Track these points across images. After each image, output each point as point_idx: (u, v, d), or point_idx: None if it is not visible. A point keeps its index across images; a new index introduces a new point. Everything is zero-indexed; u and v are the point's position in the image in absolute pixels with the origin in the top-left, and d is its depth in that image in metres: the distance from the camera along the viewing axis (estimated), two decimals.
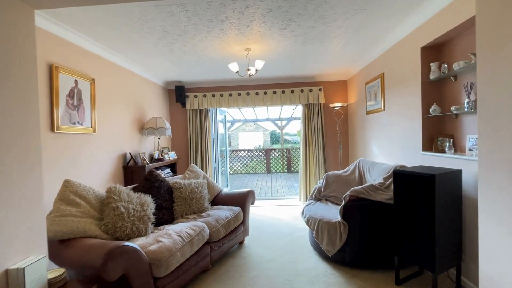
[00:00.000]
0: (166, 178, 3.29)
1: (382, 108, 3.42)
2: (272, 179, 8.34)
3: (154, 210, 2.53)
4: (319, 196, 3.15)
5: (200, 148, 4.99)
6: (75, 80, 2.65)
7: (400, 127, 2.99)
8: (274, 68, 4.20)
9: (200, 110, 5.00)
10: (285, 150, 9.64)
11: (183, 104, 4.98)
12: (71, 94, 2.59)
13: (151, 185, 2.75)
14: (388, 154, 3.30)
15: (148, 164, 3.65)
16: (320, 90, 4.79)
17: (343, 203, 2.38)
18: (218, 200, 3.28)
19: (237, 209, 2.99)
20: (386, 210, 2.31)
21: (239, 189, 3.37)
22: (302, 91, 4.82)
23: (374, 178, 2.77)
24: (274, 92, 4.86)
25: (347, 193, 2.40)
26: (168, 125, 4.07)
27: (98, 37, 2.75)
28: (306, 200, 4.80)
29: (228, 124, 10.54)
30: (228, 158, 6.32)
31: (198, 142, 4.98)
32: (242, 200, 3.16)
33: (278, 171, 9.73)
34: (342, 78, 4.89)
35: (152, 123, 3.92)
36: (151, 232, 2.35)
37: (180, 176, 3.39)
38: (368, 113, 3.91)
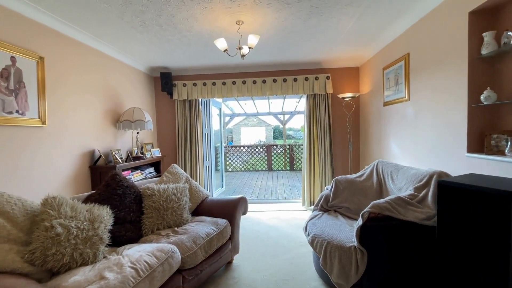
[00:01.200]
0: (140, 181, 2.70)
1: (406, 98, 2.76)
2: (273, 178, 7.73)
3: (111, 226, 1.94)
4: (327, 206, 2.53)
5: (190, 145, 4.39)
6: (12, 57, 2.05)
7: (432, 121, 2.34)
8: (272, 51, 3.55)
9: (190, 101, 4.38)
10: (288, 147, 9.01)
11: (170, 94, 4.37)
12: (4, 75, 1.99)
13: (111, 193, 2.15)
14: (413, 155, 2.65)
15: (121, 163, 3.05)
16: (327, 78, 4.13)
17: (359, 222, 1.76)
18: (202, 208, 2.68)
19: (223, 222, 2.39)
20: (421, 234, 1.69)
21: (229, 196, 2.77)
22: (306, 79, 4.16)
23: (400, 186, 2.14)
24: (274, 81, 4.21)
25: (366, 209, 1.78)
26: (148, 117, 3.46)
27: (48, 3, 2.13)
28: (310, 206, 4.18)
29: (227, 118, 9.95)
30: (223, 156, 5.71)
31: (187, 137, 4.38)
32: (231, 210, 2.56)
33: (280, 168, 9.12)
34: (353, 64, 4.22)
35: (128, 115, 3.31)
36: (103, 257, 1.76)
37: (157, 179, 2.79)
38: (386, 104, 3.26)
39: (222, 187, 5.66)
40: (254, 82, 4.24)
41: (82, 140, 2.83)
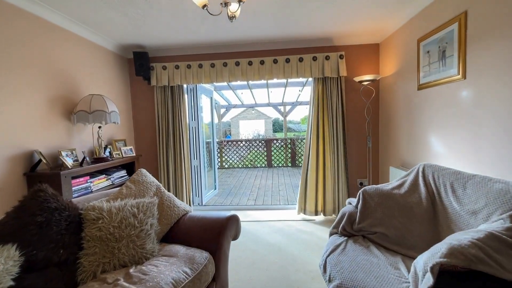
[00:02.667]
0: (101, 191, 1.96)
1: (459, 76, 1.98)
2: (274, 176, 6.99)
3: (21, 275, 1.21)
4: (352, 230, 1.78)
5: (173, 141, 3.62)
6: None
7: (505, 109, 1.58)
8: (272, 22, 2.74)
9: (172, 87, 3.59)
10: (289, 141, 8.24)
11: (148, 80, 3.57)
12: None
13: (26, 222, 1.39)
14: (474, 157, 1.89)
15: (70, 168, 2.28)
16: (340, 57, 3.33)
17: (429, 281, 1.00)
18: (178, 231, 1.93)
19: (202, 258, 1.64)
20: None
21: (216, 213, 2.01)
22: (314, 59, 3.36)
23: (473, 208, 1.38)
24: (275, 61, 3.41)
25: (437, 259, 1.02)
26: (112, 107, 2.68)
27: None
28: (313, 215, 3.44)
29: (222, 110, 9.14)
30: (215, 153, 4.94)
31: (169, 132, 3.60)
32: (215, 235, 1.81)
33: (280, 165, 8.37)
34: (373, 40, 3.41)
35: (84, 105, 2.53)
36: None
37: (115, 190, 2.03)
38: (422, 87, 2.48)
39: (215, 189, 4.92)
40: (250, 63, 3.43)
41: (13, 138, 2.05)
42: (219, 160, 8.34)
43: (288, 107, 8.65)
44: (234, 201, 4.67)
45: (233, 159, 8.44)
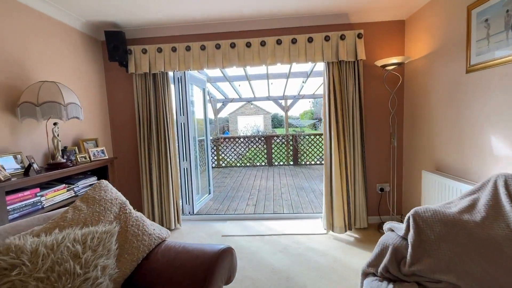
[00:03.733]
0: (18, 223, 1.38)
1: None
2: (275, 175, 6.42)
3: None
4: (400, 274, 1.21)
5: (157, 140, 3.02)
6: None
7: None
8: None
9: (154, 75, 2.98)
10: (291, 137, 7.65)
11: (125, 66, 2.96)
12: None
13: None
14: None
15: (10, 178, 1.69)
16: (358, 36, 2.72)
17: None
18: (147, 271, 1.35)
19: None
20: None
21: (203, 245, 1.44)
22: (327, 38, 2.75)
23: None
24: (278, 42, 2.80)
25: None
26: (70, 98, 2.08)
27: None
28: (332, 230, 2.88)
29: (218, 105, 8.52)
30: (210, 152, 4.34)
31: (152, 129, 3.00)
32: (200, 281, 1.23)
33: (281, 163, 7.80)
34: (397, 17, 2.81)
35: (29, 95, 1.92)
36: None
37: (58, 213, 1.44)
38: (474, 68, 1.89)
39: (209, 193, 4.34)
40: (248, 44, 2.83)
41: None
42: (215, 158, 7.76)
43: (289, 101, 8.05)
44: (231, 207, 4.10)
45: (230, 157, 7.86)
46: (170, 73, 3.13)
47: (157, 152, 3.03)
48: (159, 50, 2.88)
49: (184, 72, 3.31)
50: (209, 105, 8.20)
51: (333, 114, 2.81)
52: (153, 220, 3.10)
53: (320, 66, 5.10)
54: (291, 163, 7.74)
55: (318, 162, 7.63)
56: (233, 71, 5.65)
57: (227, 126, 24.20)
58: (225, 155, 7.85)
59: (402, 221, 2.66)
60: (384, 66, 2.62)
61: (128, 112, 3.15)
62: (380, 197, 3.02)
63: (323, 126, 2.97)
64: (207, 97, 4.61)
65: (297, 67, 5.29)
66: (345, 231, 2.85)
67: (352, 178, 2.85)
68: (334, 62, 2.80)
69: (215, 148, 7.71)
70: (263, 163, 7.81)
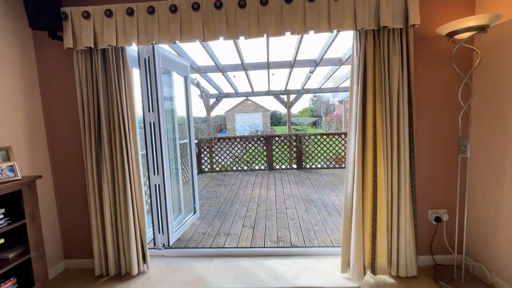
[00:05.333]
0: None
1: None
2: (276, 183, 5.49)
3: None
4: None
5: (110, 148, 2.08)
6: None
7: None
8: None
9: (104, 52, 2.03)
10: (294, 137, 6.72)
11: (59, 38, 2.01)
12: None
13: None
14: None
15: None
16: None
17: None
18: None
19: None
20: None
21: None
22: None
23: None
24: (287, 0, 1.85)
25: None
26: None
27: None
28: (354, 274, 1.94)
29: (212, 101, 7.55)
30: (194, 160, 3.39)
31: (102, 132, 2.06)
32: None
33: (283, 167, 6.87)
34: None
35: None
36: None
37: None
38: None
39: (194, 212, 3.39)
40: (242, 3, 1.87)
41: None
42: (208, 162, 6.81)
43: (292, 96, 7.10)
44: (223, 229, 3.18)
45: (226, 160, 6.91)
46: (131, 51, 2.19)
47: (110, 165, 2.09)
48: (109, 14, 1.92)
49: (153, 49, 2.35)
50: (201, 101, 7.26)
51: (370, 109, 1.88)
52: (107, 264, 2.16)
53: (337, 50, 4.10)
54: (295, 166, 6.81)
55: (325, 166, 6.71)
56: (226, 58, 4.69)
57: (224, 124, 23.24)
58: (220, 157, 6.91)
59: (465, 263, 1.77)
60: (452, 34, 1.68)
61: (70, 107, 2.20)
62: (435, 229, 2.09)
63: (348, 124, 2.04)
64: (192, 88, 3.68)
65: (305, 52, 4.35)
66: (385, 275, 1.92)
67: (392, 201, 1.92)
68: (370, 31, 1.86)
69: (208, 150, 6.77)
70: (262, 167, 6.88)
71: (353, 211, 1.99)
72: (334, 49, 4.22)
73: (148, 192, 2.53)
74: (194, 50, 4.27)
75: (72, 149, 2.24)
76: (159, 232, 2.54)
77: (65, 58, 2.14)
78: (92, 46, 1.94)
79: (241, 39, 1.93)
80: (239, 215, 3.69)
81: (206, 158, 6.82)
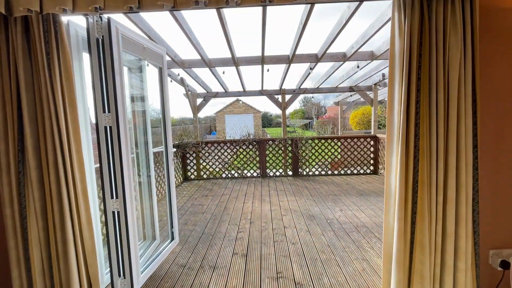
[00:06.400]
0: None
1: None
2: (271, 193, 4.88)
3: None
4: None
5: (42, 164, 1.42)
6: None
7: None
8: None
9: (26, 22, 1.36)
10: (289, 141, 6.14)
11: None
12: None
13: None
14: None
15: None
16: None
17: None
18: None
19: None
20: None
21: None
22: None
23: None
24: None
25: None
26: None
27: None
28: None
29: (199, 101, 6.87)
30: (171, 172, 2.74)
31: (26, 140, 1.39)
32: None
33: (278, 173, 6.27)
34: None
35: None
36: None
37: None
38: None
39: (172, 239, 2.73)
40: None
41: None
42: (194, 169, 6.14)
43: (288, 97, 6.52)
44: (208, 260, 2.54)
45: (214, 166, 6.25)
46: (78, 28, 1.54)
47: (40, 191, 1.43)
48: None
49: (108, 25, 1.70)
50: (187, 101, 6.58)
51: (412, 103, 1.30)
52: None
53: (341, 44, 3.37)
54: (290, 173, 6.22)
55: (323, 173, 6.16)
56: (214, 50, 4.06)
57: (214, 125, 22.53)
58: (208, 163, 6.24)
59: None
60: None
61: None
62: (499, 278, 1.53)
63: (387, 132, 1.46)
64: (176, 86, 3.02)
65: (305, 46, 3.76)
66: None
67: (445, 241, 1.35)
68: (416, 1, 1.28)
69: (194, 155, 6.09)
70: (255, 174, 6.26)
71: (394, 250, 1.40)
72: (339, 42, 3.66)
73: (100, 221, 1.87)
74: (175, 38, 3.61)
75: None
76: (119, 275, 1.87)
77: None
78: (3, 11, 1.28)
79: (229, 8, 1.31)
80: (229, 238, 3.06)
81: (192, 164, 6.14)
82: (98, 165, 1.80)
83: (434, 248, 1.36)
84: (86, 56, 1.77)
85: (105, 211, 1.80)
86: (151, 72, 2.57)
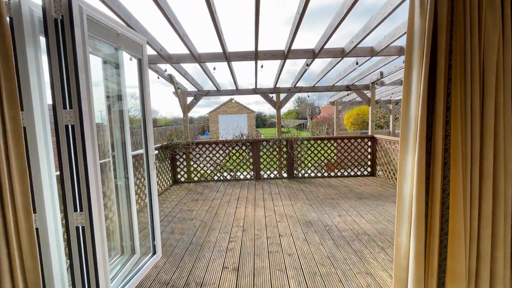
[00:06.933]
0: None
1: None
2: (265, 196, 4.62)
3: None
4: None
5: None
6: None
7: None
8: None
9: None
10: (284, 142, 5.89)
11: None
12: None
13: None
14: None
15: None
16: None
17: None
18: None
19: None
20: None
21: None
22: None
23: None
24: None
25: None
26: None
27: None
28: None
29: (189, 99, 6.56)
30: (153, 176, 2.44)
31: None
32: None
33: (273, 175, 6.01)
34: None
35: None
36: None
37: None
38: None
39: (154, 253, 2.43)
40: None
41: None
42: (184, 171, 5.83)
43: (282, 96, 6.27)
44: (194, 275, 2.25)
45: (205, 168, 5.95)
46: (33, 7, 1.24)
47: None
48: None
49: (69, 3, 1.40)
50: (176, 100, 6.26)
51: (440, 107, 1.05)
52: None
53: (339, 39, 3.15)
54: (285, 175, 5.97)
55: (319, 175, 5.93)
56: (204, 44, 3.78)
57: (207, 125, 22.17)
58: (199, 165, 5.94)
59: None
60: None
61: None
62: None
63: (401, 133, 1.21)
64: (155, 77, 2.72)
65: (301, 40, 3.51)
66: None
67: (479, 267, 1.10)
68: None
69: (184, 157, 5.78)
70: (248, 176, 5.98)
71: (409, 278, 1.15)
72: (337, 36, 3.43)
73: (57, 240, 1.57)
74: (160, 30, 3.31)
75: None
76: None
77: None
78: None
79: None
80: (219, 248, 2.78)
81: (182, 166, 5.83)
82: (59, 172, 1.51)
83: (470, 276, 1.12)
84: (44, 41, 1.48)
85: (66, 227, 1.50)
86: (135, 67, 2.28)
